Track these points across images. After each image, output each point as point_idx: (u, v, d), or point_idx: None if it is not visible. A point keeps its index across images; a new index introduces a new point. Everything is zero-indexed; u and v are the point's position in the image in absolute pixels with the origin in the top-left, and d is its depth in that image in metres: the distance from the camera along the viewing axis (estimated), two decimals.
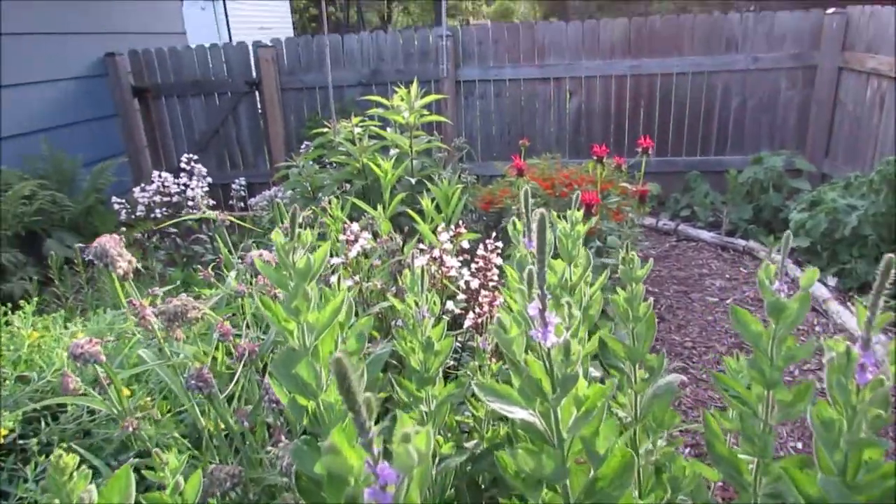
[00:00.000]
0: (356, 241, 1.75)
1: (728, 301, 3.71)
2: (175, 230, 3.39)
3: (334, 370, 0.41)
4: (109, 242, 1.19)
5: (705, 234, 4.62)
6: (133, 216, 3.46)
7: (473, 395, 1.31)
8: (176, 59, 5.37)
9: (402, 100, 3.30)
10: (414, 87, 3.31)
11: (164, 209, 3.43)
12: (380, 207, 2.23)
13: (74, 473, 0.79)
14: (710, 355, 3.16)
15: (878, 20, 4.48)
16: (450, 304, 1.66)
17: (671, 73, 5.25)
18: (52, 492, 0.78)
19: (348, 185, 3.20)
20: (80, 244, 3.23)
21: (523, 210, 1.10)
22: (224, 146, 5.65)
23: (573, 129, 5.45)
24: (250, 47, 5.36)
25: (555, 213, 3.18)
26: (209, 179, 3.84)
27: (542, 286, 0.60)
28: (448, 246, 1.77)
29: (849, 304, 3.54)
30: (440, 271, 1.66)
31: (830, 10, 4.94)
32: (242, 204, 4.26)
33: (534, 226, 1.10)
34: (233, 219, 2.39)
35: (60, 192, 3.92)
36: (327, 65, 4.71)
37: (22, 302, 1.90)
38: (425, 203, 2.16)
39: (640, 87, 5.33)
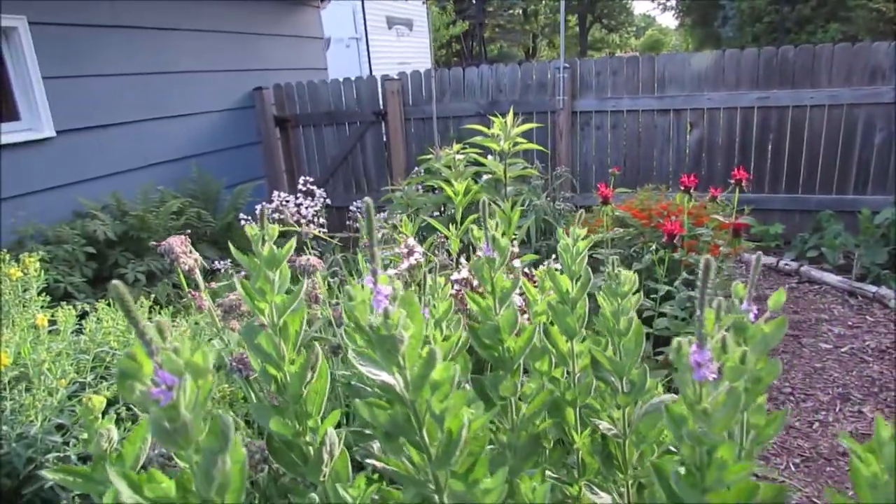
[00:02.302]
0: (411, 254, 1.89)
1: (843, 349, 3.42)
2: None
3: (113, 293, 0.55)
4: (175, 241, 1.42)
5: (831, 278, 4.28)
6: None
7: None
8: (313, 91, 5.91)
9: (501, 128, 3.43)
10: (510, 117, 3.44)
11: (281, 225, 3.80)
12: (452, 227, 2.36)
13: (101, 414, 0.98)
14: (809, 403, 2.94)
15: None
16: None
17: (804, 104, 4.96)
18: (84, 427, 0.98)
19: (444, 208, 3.36)
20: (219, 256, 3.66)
21: (482, 218, 1.18)
22: (351, 171, 6.09)
23: (693, 163, 5.29)
24: (378, 80, 5.77)
25: (646, 242, 3.13)
26: (327, 201, 4.18)
27: (372, 262, 0.68)
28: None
29: None
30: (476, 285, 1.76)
31: None
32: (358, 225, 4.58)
33: (491, 233, 1.19)
34: (315, 233, 2.63)
35: (205, 210, 4.46)
36: (432, 96, 4.96)
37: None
38: (490, 224, 2.27)
39: (768, 120, 5.08)
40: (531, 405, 1.13)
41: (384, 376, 0.65)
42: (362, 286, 0.67)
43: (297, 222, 3.70)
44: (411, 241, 1.96)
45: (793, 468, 2.50)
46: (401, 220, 2.19)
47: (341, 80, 5.91)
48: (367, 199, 0.84)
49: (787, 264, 4.57)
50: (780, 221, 5.07)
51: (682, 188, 2.79)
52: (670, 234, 2.62)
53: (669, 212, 3.26)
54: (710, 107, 5.18)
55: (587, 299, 1.35)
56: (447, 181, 3.49)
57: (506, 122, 3.39)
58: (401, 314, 0.62)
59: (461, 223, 2.52)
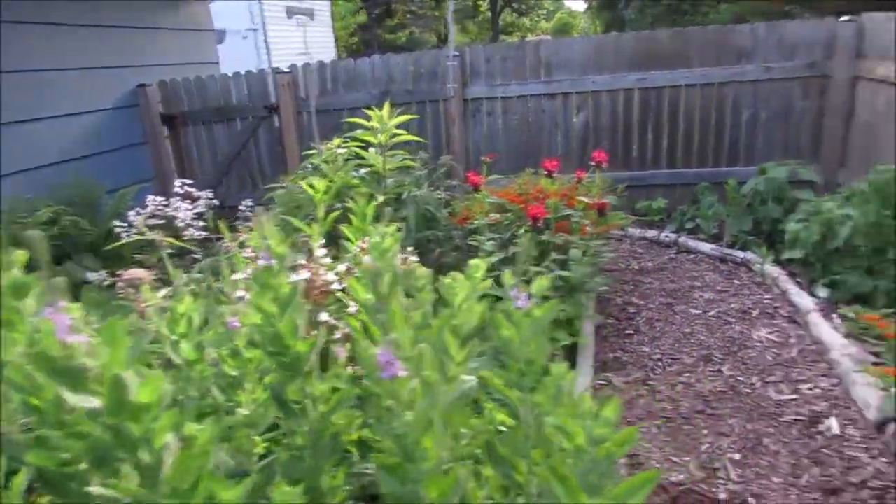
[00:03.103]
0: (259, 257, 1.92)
1: (711, 314, 3.68)
2: (171, 249, 3.66)
3: None
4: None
5: (705, 247, 4.57)
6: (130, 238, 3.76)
7: None
8: (201, 87, 5.77)
9: (378, 120, 3.47)
10: (386, 108, 3.48)
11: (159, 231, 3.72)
12: (315, 225, 2.40)
13: None
14: (674, 367, 3.16)
15: (889, 27, 4.35)
16: (324, 315, 1.80)
17: (679, 85, 5.23)
18: None
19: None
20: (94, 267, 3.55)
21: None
22: (246, 169, 5.99)
23: (580, 144, 5.49)
24: (269, 74, 5.70)
25: (520, 227, 3.25)
26: (214, 201, 4.12)
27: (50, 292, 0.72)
28: (327, 260, 1.92)
29: (832, 316, 3.44)
30: (318, 285, 1.81)
31: (844, 18, 4.82)
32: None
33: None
34: (169, 240, 2.61)
35: (84, 217, 4.29)
36: (314, 88, 4.95)
37: None
38: (353, 219, 2.32)
39: (648, 100, 5.33)
40: (327, 405, 1.19)
41: (82, 401, 0.69)
42: (47, 318, 0.71)
43: (173, 227, 3.63)
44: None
45: (655, 430, 2.69)
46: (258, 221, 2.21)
47: (230, 74, 5.79)
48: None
49: (667, 236, 4.84)
50: (662, 196, 5.36)
51: (546, 172, 2.92)
52: (534, 217, 2.75)
53: (543, 195, 3.40)
54: (594, 90, 5.38)
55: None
56: (325, 177, 3.51)
57: (382, 113, 3.43)
58: (90, 342, 0.67)
59: (325, 220, 2.56)
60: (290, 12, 10.19)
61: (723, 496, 2.27)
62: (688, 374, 3.07)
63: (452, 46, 5.46)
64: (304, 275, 1.81)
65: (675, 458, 2.49)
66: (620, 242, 4.91)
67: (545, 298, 1.20)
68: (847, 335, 3.18)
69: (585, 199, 3.14)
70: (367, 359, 0.95)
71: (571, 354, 3.12)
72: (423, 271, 1.32)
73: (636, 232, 5.01)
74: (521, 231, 3.02)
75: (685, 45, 5.16)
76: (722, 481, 2.35)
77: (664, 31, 5.32)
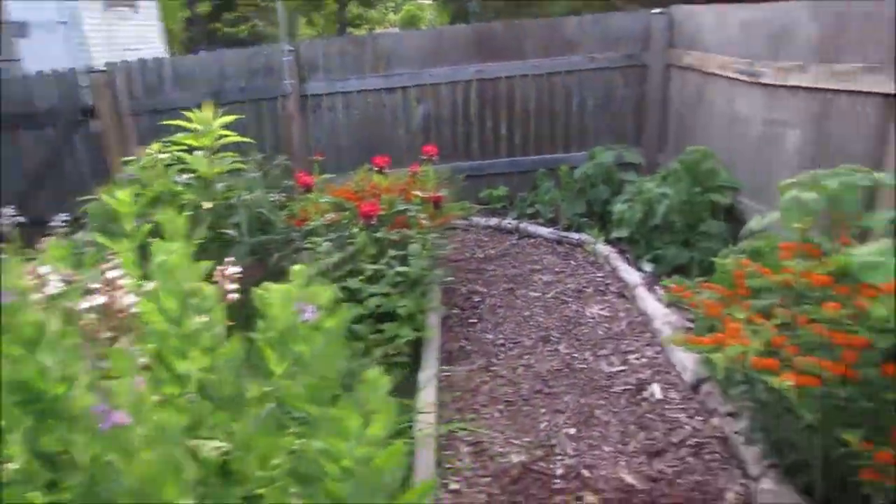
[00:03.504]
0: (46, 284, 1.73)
1: (549, 295, 3.85)
2: None
3: None
4: None
5: (544, 231, 4.78)
6: None
7: None
8: None
9: (202, 121, 3.27)
10: (209, 108, 3.29)
11: None
12: (125, 241, 2.21)
13: None
14: (516, 350, 3.27)
15: (694, 19, 4.75)
16: (124, 342, 1.66)
17: (515, 76, 5.40)
18: None
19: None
20: None
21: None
22: (64, 179, 5.45)
23: (423, 137, 5.52)
24: (84, 73, 5.21)
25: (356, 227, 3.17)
26: (19, 218, 3.70)
27: None
28: (125, 281, 1.78)
29: (656, 288, 3.72)
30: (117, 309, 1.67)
31: (656, 11, 5.20)
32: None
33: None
34: None
35: None
36: (128, 90, 4.62)
37: None
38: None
39: (486, 91, 5.46)
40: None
41: None
42: None
43: None
44: (45, 268, 1.79)
45: (498, 415, 2.76)
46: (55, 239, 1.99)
47: (34, 74, 5.23)
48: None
49: (509, 223, 5.01)
50: (504, 184, 5.53)
51: (376, 169, 2.89)
52: (367, 215, 2.72)
53: (378, 192, 3.38)
54: (433, 82, 5.43)
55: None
56: (143, 185, 3.27)
57: (205, 114, 3.24)
58: None
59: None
60: (108, 4, 9.37)
61: (560, 471, 2.37)
62: (528, 356, 3.19)
63: (286, 41, 5.28)
64: (100, 299, 1.65)
65: (515, 441, 2.57)
66: (466, 232, 5.01)
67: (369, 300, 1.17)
68: (668, 305, 3.45)
69: (420, 193, 3.16)
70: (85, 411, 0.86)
71: (417, 349, 3.13)
72: (210, 290, 1.23)
73: (480, 221, 5.14)
74: (356, 230, 2.97)
75: (519, 37, 5.35)
76: (559, 457, 2.46)
77: (499, 23, 5.50)
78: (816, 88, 3.10)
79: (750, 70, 3.70)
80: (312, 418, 1.10)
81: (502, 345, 3.33)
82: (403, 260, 3.19)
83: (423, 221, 3.16)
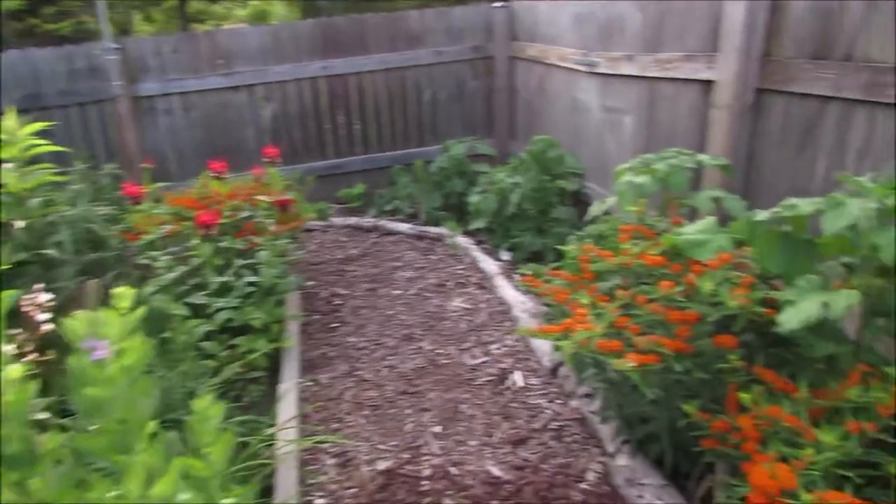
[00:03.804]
0: None
1: (411, 292, 3.80)
2: None
3: None
4: None
5: (404, 227, 4.74)
6: None
7: None
8: None
9: (6, 130, 2.88)
10: (12, 115, 2.91)
11: None
12: None
13: None
14: (379, 352, 3.19)
15: (532, 11, 4.88)
16: None
17: (362, 71, 5.30)
18: None
19: None
20: None
21: None
22: None
23: (273, 137, 5.29)
24: None
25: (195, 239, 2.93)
26: None
27: None
28: None
29: (514, 276, 3.79)
30: None
31: (497, 4, 5.29)
32: None
33: None
34: None
35: None
36: None
37: None
38: None
39: (335, 87, 5.32)
40: None
41: None
42: None
43: None
44: None
45: (363, 421, 2.67)
46: None
47: None
48: None
49: (368, 221, 4.91)
50: (362, 182, 5.43)
51: (215, 174, 2.69)
52: (206, 225, 2.51)
53: (222, 199, 3.16)
54: (279, 80, 5.20)
55: None
56: None
57: (7, 123, 2.85)
58: None
59: None
60: None
61: (427, 472, 2.32)
62: (392, 357, 3.13)
63: (108, 38, 4.83)
64: None
65: (382, 446, 2.50)
66: (324, 233, 4.86)
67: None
68: (525, 292, 3.52)
69: (265, 198, 2.98)
70: None
71: (277, 360, 2.97)
72: None
73: (339, 221, 5.00)
74: (197, 241, 2.75)
75: (363, 31, 5.24)
76: (426, 457, 2.41)
77: (341, 17, 5.34)
78: (644, 77, 3.27)
79: (586, 60, 3.85)
80: (117, 468, 0.95)
81: (365, 347, 3.24)
82: (255, 269, 3.00)
83: (272, 227, 2.99)
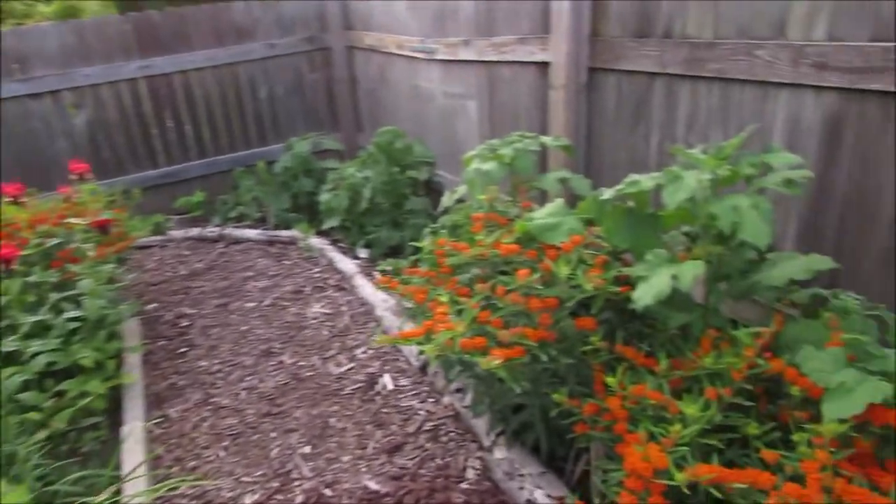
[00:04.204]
0: None
1: (266, 303, 3.57)
2: None
3: None
4: None
5: (252, 233, 4.45)
6: None
7: None
8: None
9: None
10: None
11: None
12: None
13: None
14: (236, 373, 2.94)
15: (364, 1, 4.72)
16: None
17: (188, 69, 4.89)
18: None
19: None
20: None
21: None
22: None
23: (92, 148, 4.74)
24: None
25: None
26: None
27: None
28: None
29: (374, 273, 3.67)
30: None
31: None
32: None
33: None
34: None
35: None
36: None
37: None
38: None
39: (158, 88, 4.85)
40: None
41: None
42: None
43: None
44: None
45: (223, 453, 2.44)
46: None
47: None
48: None
49: (212, 231, 4.56)
50: (202, 189, 5.03)
51: (10, 199, 2.31)
52: (4, 259, 2.15)
53: (22, 225, 2.73)
54: (90, 83, 4.65)
55: None
56: None
57: None
58: None
59: None
60: None
61: (299, 500, 2.16)
62: (250, 377, 2.90)
63: None
64: None
65: (247, 479, 2.29)
66: (164, 249, 4.45)
67: None
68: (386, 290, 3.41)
69: (79, 220, 2.62)
70: None
71: (117, 401, 2.65)
72: None
73: (179, 233, 4.60)
74: None
75: (184, 26, 4.83)
76: (297, 482, 2.24)
77: (156, 12, 4.87)
78: (483, 61, 3.26)
79: (423, 48, 3.78)
80: None
81: (219, 370, 2.98)
82: (78, 301, 2.64)
83: (93, 252, 2.64)
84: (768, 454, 1.29)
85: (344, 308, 3.41)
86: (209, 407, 2.72)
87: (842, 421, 1.21)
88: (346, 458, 2.33)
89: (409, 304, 2.06)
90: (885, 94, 1.59)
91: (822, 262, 1.58)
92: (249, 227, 4.58)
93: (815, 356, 1.36)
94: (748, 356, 1.42)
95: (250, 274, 3.95)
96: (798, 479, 1.21)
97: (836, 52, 1.66)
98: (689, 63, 2.08)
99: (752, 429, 1.39)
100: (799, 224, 1.89)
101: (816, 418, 1.28)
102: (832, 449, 1.21)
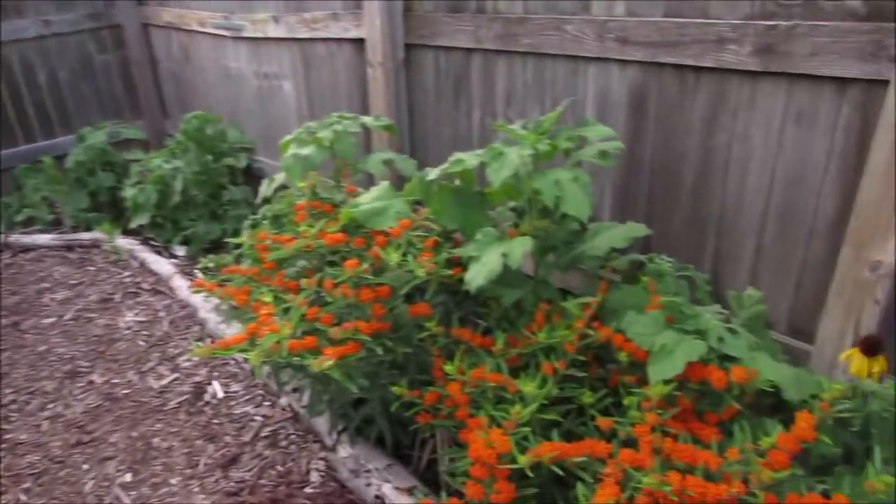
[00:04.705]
0: None
1: (67, 316, 3.14)
2: None
3: None
4: None
5: (44, 238, 3.89)
6: None
7: None
8: None
9: None
10: None
11: None
12: None
13: None
14: (36, 400, 2.55)
15: None
16: None
17: None
18: None
19: None
20: None
21: None
22: None
23: None
24: None
25: None
26: None
27: None
28: None
29: (195, 272, 3.38)
30: None
31: None
32: None
33: None
34: None
35: None
36: None
37: None
38: None
39: None
40: None
41: None
42: None
43: None
44: None
45: (24, 498, 2.10)
46: None
47: None
48: None
49: None
50: None
51: None
52: None
53: None
54: None
55: None
56: None
57: None
58: None
59: None
60: None
61: None
62: (53, 404, 2.53)
63: None
64: None
65: None
66: None
67: None
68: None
69: None
70: None
71: None
72: None
73: None
74: None
75: None
76: None
77: None
78: (295, 38, 3.07)
79: (228, 24, 3.50)
80: None
81: (14, 401, 2.56)
82: None
83: None
84: (603, 422, 1.32)
85: (162, 314, 3.09)
86: (3, 446, 2.33)
87: (666, 382, 1.26)
88: (174, 481, 2.11)
89: (230, 306, 1.88)
90: (681, 67, 1.69)
91: (638, 229, 1.65)
92: (41, 231, 4.01)
93: (637, 321, 1.41)
94: (578, 327, 1.45)
95: (46, 285, 3.46)
96: (631, 443, 1.25)
97: (636, 28, 1.73)
98: (504, 38, 2.08)
99: (587, 398, 1.42)
100: (614, 194, 1.98)
101: (644, 380, 1.33)
102: (659, 410, 1.26)
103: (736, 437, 1.19)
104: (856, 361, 1.22)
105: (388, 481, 1.86)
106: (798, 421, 1.14)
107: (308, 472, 2.08)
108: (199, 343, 2.79)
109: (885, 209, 1.35)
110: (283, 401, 2.38)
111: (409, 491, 1.81)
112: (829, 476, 1.20)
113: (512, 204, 1.89)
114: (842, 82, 1.42)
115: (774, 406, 1.39)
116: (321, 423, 2.17)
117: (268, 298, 1.58)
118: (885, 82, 1.32)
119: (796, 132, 1.52)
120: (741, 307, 1.53)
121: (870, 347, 1.20)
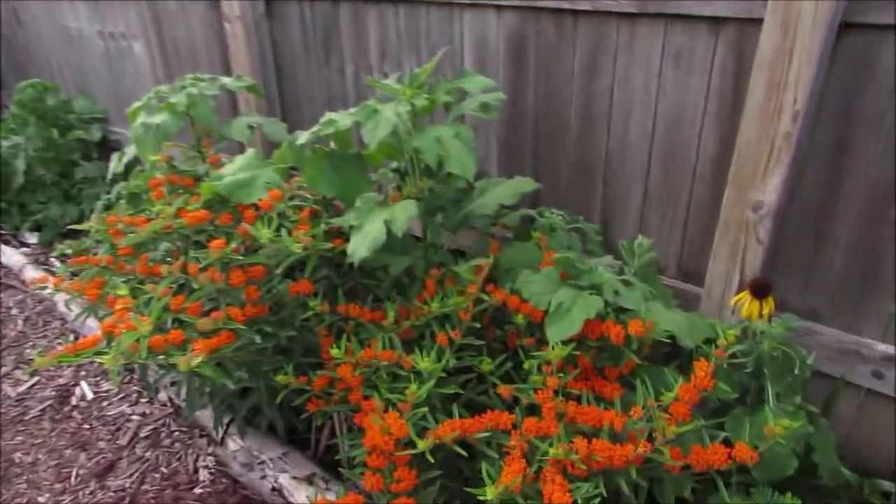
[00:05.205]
0: None
1: None
2: None
3: None
4: None
5: None
6: None
7: None
8: None
9: None
10: None
11: None
12: None
13: None
14: None
15: None
16: None
17: None
18: None
19: None
20: None
21: None
22: None
23: None
24: None
25: None
26: None
27: None
28: None
29: (51, 261, 3.03)
30: None
31: None
32: None
33: None
34: None
35: None
36: None
37: None
38: None
39: None
40: None
41: None
42: None
43: None
44: None
45: None
46: None
47: None
48: None
49: None
50: None
51: None
52: None
53: None
54: None
55: None
56: None
57: None
58: None
59: None
60: None
61: None
62: None
63: None
64: None
65: None
66: None
67: None
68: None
69: None
70: None
71: None
72: None
73: None
74: None
75: None
76: None
77: None
78: None
79: None
80: None
81: None
82: None
83: None
84: (504, 390, 1.26)
85: (15, 311, 2.74)
86: None
87: (565, 343, 1.21)
88: (43, 499, 1.88)
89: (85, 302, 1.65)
90: (558, 11, 1.61)
91: (527, 184, 1.58)
92: None
93: (532, 280, 1.35)
94: (472, 293, 1.37)
95: None
96: (535, 409, 1.20)
97: None
98: None
99: (486, 365, 1.35)
100: (500, 147, 1.90)
101: (543, 340, 1.27)
102: (560, 373, 1.21)
103: (638, 392, 1.16)
104: (746, 305, 1.22)
105: (284, 471, 1.73)
106: (696, 370, 1.13)
107: (196, 471, 1.91)
108: (59, 341, 2.52)
109: (763, 149, 1.34)
110: (163, 395, 2.18)
111: (308, 479, 1.70)
112: (727, 418, 1.21)
113: (394, 165, 1.77)
114: (716, 22, 1.40)
115: (670, 354, 1.38)
116: (206, 417, 1.99)
117: (123, 291, 1.38)
118: (759, 20, 1.30)
119: (675, 74, 1.49)
120: (633, 256, 1.50)
121: (759, 290, 1.20)
